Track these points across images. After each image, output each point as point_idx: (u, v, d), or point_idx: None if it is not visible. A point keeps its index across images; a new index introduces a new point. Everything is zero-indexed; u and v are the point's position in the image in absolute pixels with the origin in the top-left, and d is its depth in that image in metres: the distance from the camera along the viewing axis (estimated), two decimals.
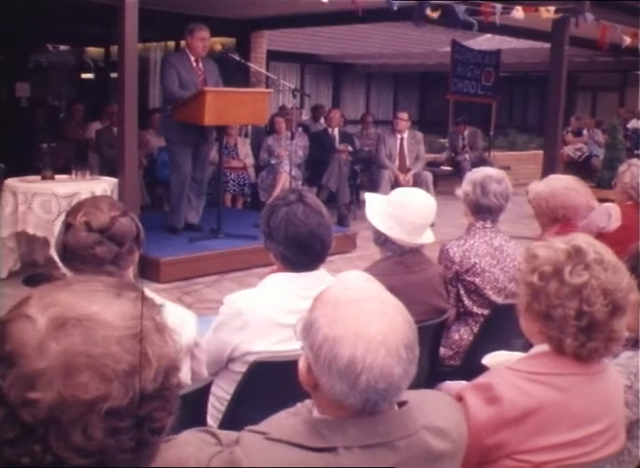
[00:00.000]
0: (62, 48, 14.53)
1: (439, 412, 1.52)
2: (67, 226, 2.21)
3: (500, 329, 3.10)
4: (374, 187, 9.45)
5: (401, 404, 1.43)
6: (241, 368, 2.40)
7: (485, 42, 16.31)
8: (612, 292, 1.81)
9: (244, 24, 11.59)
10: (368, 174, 10.27)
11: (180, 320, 2.27)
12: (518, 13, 7.79)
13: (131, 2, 5.62)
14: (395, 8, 6.78)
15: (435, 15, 7.32)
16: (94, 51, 14.52)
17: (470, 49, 12.94)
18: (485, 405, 1.77)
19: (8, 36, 11.15)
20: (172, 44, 12.88)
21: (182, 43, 7.66)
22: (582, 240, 1.88)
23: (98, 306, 0.98)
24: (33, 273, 6.14)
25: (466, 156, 11.77)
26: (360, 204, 9.23)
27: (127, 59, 5.79)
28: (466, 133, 12.21)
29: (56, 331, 0.94)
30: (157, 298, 2.27)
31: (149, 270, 6.14)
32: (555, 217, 3.65)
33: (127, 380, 0.94)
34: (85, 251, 2.15)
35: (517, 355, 2.12)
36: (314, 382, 1.40)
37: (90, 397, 0.92)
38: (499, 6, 7.68)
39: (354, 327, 1.35)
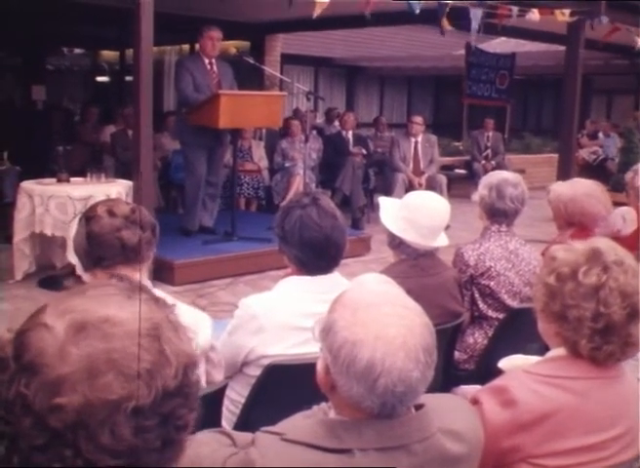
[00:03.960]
0: (78, 51, 14.59)
1: (455, 416, 1.52)
2: (88, 219, 2.22)
3: (515, 332, 3.09)
4: (387, 190, 9.46)
5: (418, 407, 1.43)
6: (256, 371, 2.40)
7: (499, 45, 16.26)
8: (630, 294, 1.79)
9: (258, 28, 11.61)
10: (382, 177, 10.27)
11: (195, 322, 2.27)
12: (534, 15, 7.77)
13: (146, 5, 5.64)
14: (418, 11, 6.75)
15: (449, 27, 7.31)
16: (109, 54, 14.57)
17: (485, 52, 12.92)
18: (501, 408, 1.76)
19: (24, 40, 11.24)
20: (186, 47, 12.91)
21: (197, 46, 7.70)
22: (603, 242, 1.88)
23: (113, 309, 0.99)
24: (48, 275, 6.18)
25: (492, 163, 11.68)
26: (374, 207, 9.23)
27: (142, 63, 5.81)
28: (490, 134, 12.17)
29: (75, 337, 0.95)
30: (170, 299, 2.29)
31: (163, 273, 6.15)
32: (571, 222, 3.64)
33: (149, 379, 0.95)
34: (111, 234, 2.17)
35: (533, 359, 2.11)
36: (332, 384, 1.40)
37: (115, 397, 0.93)
38: (515, 8, 7.65)
39: (374, 330, 1.35)
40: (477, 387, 2.34)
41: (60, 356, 0.94)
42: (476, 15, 7.28)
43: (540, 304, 1.90)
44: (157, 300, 1.06)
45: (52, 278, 6.08)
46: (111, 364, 0.94)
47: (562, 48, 9.79)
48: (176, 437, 1.00)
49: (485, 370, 2.87)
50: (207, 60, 7.07)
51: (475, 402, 1.78)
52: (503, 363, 2.29)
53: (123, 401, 0.93)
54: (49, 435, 0.92)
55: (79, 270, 2.37)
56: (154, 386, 0.95)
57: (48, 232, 5.95)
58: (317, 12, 6.54)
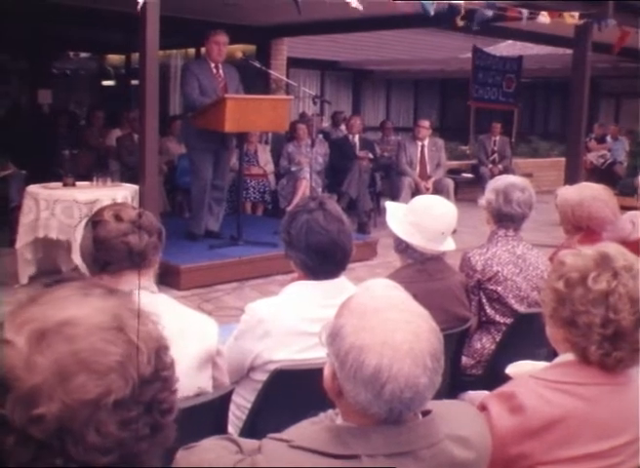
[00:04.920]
0: (84, 55, 14.65)
1: (462, 422, 1.52)
2: (95, 223, 2.23)
3: (522, 338, 3.08)
4: (394, 194, 9.46)
5: (425, 413, 1.43)
6: (262, 376, 2.40)
7: (506, 48, 16.27)
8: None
9: (264, 31, 11.64)
10: (388, 181, 10.27)
11: (201, 327, 2.28)
12: (544, 18, 7.74)
13: (152, 9, 5.65)
14: (432, 13, 6.73)
15: (462, 23, 7.28)
16: (115, 58, 14.62)
17: (492, 55, 12.92)
18: (508, 414, 1.76)
19: (30, 43, 11.28)
20: (192, 51, 12.95)
21: (203, 50, 7.72)
22: (612, 248, 1.87)
23: (70, 310, 0.99)
24: (54, 279, 6.18)
25: (500, 167, 11.67)
26: (380, 211, 9.23)
27: (148, 67, 5.82)
28: (497, 138, 12.16)
29: (37, 346, 0.95)
30: (176, 304, 2.29)
31: (169, 277, 6.15)
32: (579, 226, 3.63)
33: (122, 370, 0.95)
34: (117, 239, 2.17)
35: (541, 364, 2.10)
36: (339, 390, 1.40)
37: (92, 396, 0.93)
38: (525, 11, 7.64)
39: (381, 335, 1.35)
40: (485, 393, 2.33)
41: (27, 368, 0.93)
42: (483, 15, 7.26)
43: (549, 310, 1.90)
44: (113, 292, 1.06)
45: (57, 282, 6.08)
46: (81, 364, 0.94)
47: (569, 51, 9.78)
48: (163, 421, 1.01)
49: (492, 376, 2.87)
50: (213, 64, 7.09)
51: (483, 408, 1.78)
52: (511, 368, 2.29)
53: (101, 397, 0.93)
54: (35, 448, 0.91)
55: (86, 273, 2.37)
56: (129, 376, 0.95)
57: (53, 236, 5.97)
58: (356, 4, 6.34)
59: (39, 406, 0.91)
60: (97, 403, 0.93)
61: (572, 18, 8.01)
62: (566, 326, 1.85)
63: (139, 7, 5.22)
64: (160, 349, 1.03)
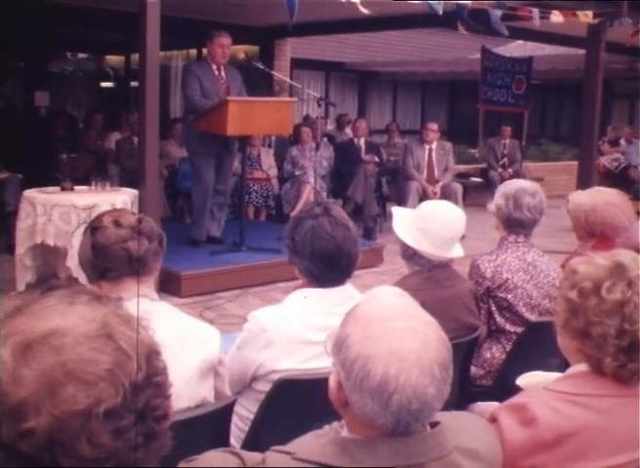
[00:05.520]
0: (82, 56, 14.70)
1: (472, 434, 1.51)
2: (94, 230, 2.24)
3: (533, 347, 3.07)
4: (401, 199, 9.47)
5: (433, 424, 1.43)
6: (265, 387, 2.40)
7: (516, 48, 16.27)
8: None
9: (267, 32, 11.66)
10: (395, 185, 10.28)
11: (203, 336, 2.28)
12: (557, 17, 7.72)
13: (152, 9, 5.66)
14: (441, 12, 6.74)
15: (463, 30, 7.30)
16: (114, 59, 14.67)
17: (501, 56, 12.90)
18: (520, 426, 1.75)
19: (27, 44, 11.30)
20: (193, 52, 12.98)
21: (204, 51, 7.73)
22: (626, 256, 1.86)
23: (55, 320, 0.99)
24: (51, 286, 6.18)
25: (509, 171, 11.67)
26: (387, 216, 9.23)
27: (148, 68, 5.83)
28: (507, 141, 12.16)
29: (23, 358, 0.95)
30: (176, 311, 2.29)
31: (170, 284, 6.16)
32: (592, 233, 3.62)
33: (112, 378, 0.95)
34: (116, 245, 2.18)
35: (553, 375, 2.09)
36: (344, 400, 1.40)
37: (82, 406, 0.92)
38: (536, 10, 7.62)
39: (387, 345, 1.35)
40: (495, 404, 2.33)
41: (14, 382, 0.93)
42: (495, 16, 7.25)
43: (562, 320, 1.89)
44: (100, 298, 1.06)
45: (55, 289, 6.09)
46: (69, 375, 0.94)
47: (582, 51, 9.77)
48: (157, 428, 1.00)
49: (503, 387, 2.87)
50: (215, 66, 7.09)
51: (493, 420, 1.77)
52: (522, 379, 2.29)
53: (91, 408, 0.93)
54: (26, 463, 0.91)
55: (84, 280, 2.38)
56: (120, 384, 0.95)
57: (50, 242, 5.97)
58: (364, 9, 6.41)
59: (27, 420, 0.91)
60: (87, 413, 0.93)
61: (586, 17, 8.00)
62: (579, 337, 1.84)
63: None
64: (151, 354, 1.02)
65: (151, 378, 1.00)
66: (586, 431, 1.75)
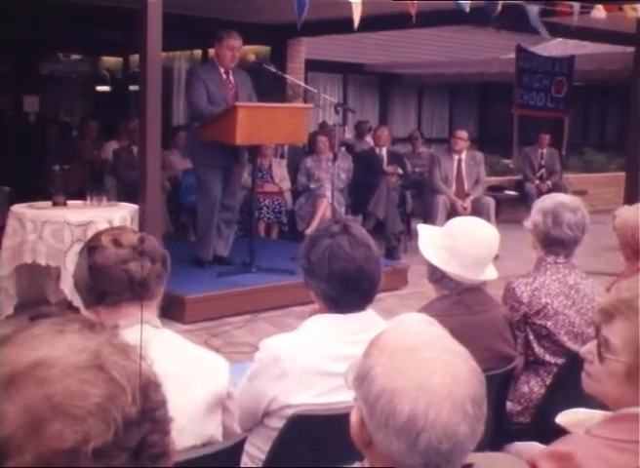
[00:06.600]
0: (75, 57, 14.81)
1: None
2: (91, 249, 2.25)
3: (576, 381, 3.05)
4: (427, 215, 9.48)
5: (465, 467, 1.43)
6: (278, 423, 2.40)
7: (555, 47, 16.25)
8: None
9: (280, 31, 11.70)
10: (420, 200, 10.29)
11: (210, 366, 2.29)
12: (599, 12, 7.70)
13: (154, 6, 5.71)
14: (467, 9, 6.75)
15: (497, 27, 7.30)
16: (111, 60, 14.79)
17: (538, 55, 12.90)
18: None
19: (15, 44, 11.37)
20: (198, 53, 13.07)
21: (211, 52, 7.79)
22: None
23: (43, 350, 0.99)
24: (40, 312, 6.20)
25: (548, 183, 11.67)
26: (412, 234, 9.25)
27: (149, 70, 5.88)
28: (545, 151, 12.15)
29: (6, 392, 0.95)
30: (170, 337, 2.29)
31: (173, 309, 6.16)
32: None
33: (103, 413, 0.95)
34: (116, 266, 2.19)
35: (596, 413, 2.08)
36: (368, 439, 1.40)
37: (70, 444, 0.92)
38: (577, 5, 7.61)
39: (415, 378, 1.36)
40: (534, 444, 2.32)
41: None
42: (533, 14, 7.25)
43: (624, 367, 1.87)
44: (93, 326, 1.06)
45: (44, 316, 6.10)
46: (55, 409, 0.94)
47: (630, 49, 9.76)
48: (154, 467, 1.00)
49: (542, 425, 2.86)
50: (222, 69, 7.13)
51: (533, 467, 1.75)
52: (562, 417, 2.27)
53: (80, 445, 0.93)
54: None
55: (78, 304, 2.40)
56: (111, 419, 0.95)
57: (42, 262, 5.98)
58: (356, 19, 6.52)
59: (9, 459, 0.91)
60: (75, 452, 0.92)
61: (634, 11, 7.96)
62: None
63: None
64: (148, 386, 1.02)
65: (148, 413, 1.00)
66: None
